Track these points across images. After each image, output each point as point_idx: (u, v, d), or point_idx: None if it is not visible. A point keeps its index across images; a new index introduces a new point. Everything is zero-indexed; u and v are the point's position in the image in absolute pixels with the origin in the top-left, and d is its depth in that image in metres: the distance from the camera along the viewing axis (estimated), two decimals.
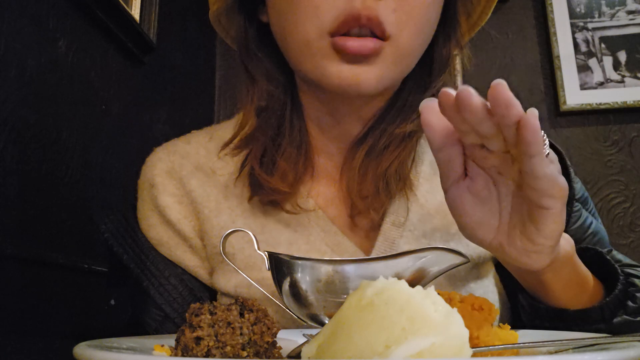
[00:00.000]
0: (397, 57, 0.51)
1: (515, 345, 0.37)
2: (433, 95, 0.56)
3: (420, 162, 0.61)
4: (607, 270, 0.50)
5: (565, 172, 0.59)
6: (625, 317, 0.46)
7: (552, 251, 0.41)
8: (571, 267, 0.46)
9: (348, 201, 0.59)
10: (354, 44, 0.48)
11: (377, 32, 0.48)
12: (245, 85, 0.60)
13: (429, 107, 0.36)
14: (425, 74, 0.57)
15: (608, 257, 0.50)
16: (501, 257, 0.44)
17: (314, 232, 0.58)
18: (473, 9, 0.62)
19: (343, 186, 0.60)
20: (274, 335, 0.36)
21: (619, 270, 0.48)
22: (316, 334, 0.33)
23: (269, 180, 0.56)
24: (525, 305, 0.51)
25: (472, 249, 0.58)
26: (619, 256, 0.52)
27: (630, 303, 0.47)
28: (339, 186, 0.60)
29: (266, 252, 0.45)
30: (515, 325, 0.43)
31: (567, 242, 0.45)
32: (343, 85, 0.50)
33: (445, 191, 0.41)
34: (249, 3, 0.59)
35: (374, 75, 0.50)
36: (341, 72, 0.50)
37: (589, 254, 0.51)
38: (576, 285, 0.47)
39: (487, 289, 0.59)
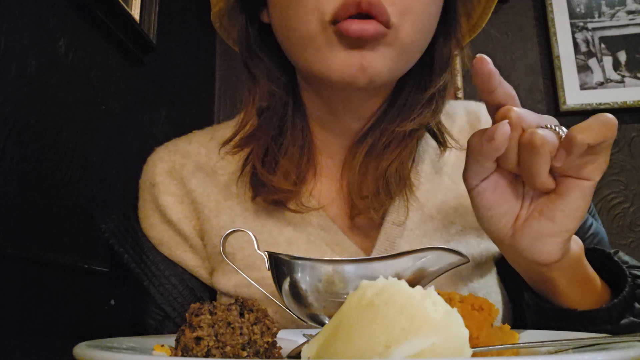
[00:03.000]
0: (400, 47, 0.50)
1: (515, 345, 0.37)
2: (433, 95, 0.57)
3: (421, 161, 0.61)
4: (613, 272, 0.49)
5: None
6: (632, 318, 0.46)
7: (567, 239, 0.42)
8: (579, 267, 0.46)
9: (349, 200, 0.59)
10: (355, 26, 0.47)
11: (381, 17, 0.47)
12: (247, 85, 0.60)
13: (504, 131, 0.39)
14: (426, 74, 0.57)
15: (615, 258, 0.50)
16: (512, 250, 0.44)
17: (314, 232, 0.58)
18: (473, 9, 0.62)
19: (344, 185, 0.60)
20: (274, 335, 0.36)
21: (627, 272, 0.48)
22: (316, 334, 0.33)
23: (271, 179, 0.56)
24: (530, 304, 0.50)
25: (474, 248, 0.58)
26: (625, 257, 0.52)
27: (637, 305, 0.46)
28: (340, 185, 0.60)
29: (266, 252, 0.45)
30: (516, 325, 0.43)
31: (575, 244, 0.45)
32: (348, 72, 0.49)
33: (473, 187, 0.43)
34: (250, 3, 0.59)
35: (378, 62, 0.49)
36: (346, 60, 0.49)
37: (596, 254, 0.51)
38: (583, 285, 0.47)
39: (491, 288, 0.59)
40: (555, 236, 0.41)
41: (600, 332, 0.42)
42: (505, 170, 0.43)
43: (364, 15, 0.47)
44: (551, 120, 0.42)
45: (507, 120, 0.39)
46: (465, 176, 0.44)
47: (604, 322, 0.46)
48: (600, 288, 0.48)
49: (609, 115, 0.39)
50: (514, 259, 0.47)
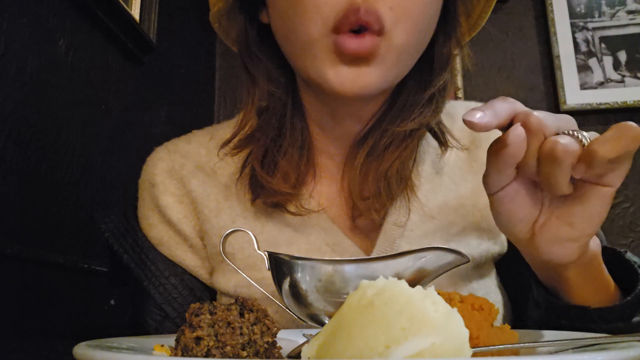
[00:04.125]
0: (394, 55, 0.50)
1: (515, 345, 0.37)
2: (433, 94, 0.57)
3: (422, 161, 0.61)
4: (622, 270, 0.49)
5: None
6: None
7: (586, 242, 0.42)
8: (595, 265, 0.46)
9: (349, 201, 0.59)
10: (352, 43, 0.48)
11: (375, 25, 0.47)
12: (246, 85, 0.60)
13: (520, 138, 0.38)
14: (426, 73, 0.57)
15: (627, 257, 0.50)
16: (529, 250, 0.44)
17: (314, 232, 0.58)
18: (473, 8, 0.62)
19: (345, 187, 0.60)
20: (274, 335, 0.36)
21: (639, 271, 0.48)
22: (316, 334, 0.33)
23: (270, 182, 0.56)
24: (541, 302, 0.50)
25: (474, 249, 0.58)
26: (634, 258, 0.52)
27: None
28: (341, 186, 0.60)
29: (266, 252, 0.45)
30: (516, 325, 0.43)
31: (594, 241, 0.45)
32: (342, 88, 0.50)
33: (493, 193, 0.42)
34: (249, 3, 0.59)
35: (373, 77, 0.50)
36: (340, 75, 0.49)
37: (606, 253, 0.51)
38: (596, 282, 0.47)
39: (490, 289, 0.59)
40: (574, 240, 0.41)
41: (612, 330, 0.42)
42: (526, 177, 0.42)
43: (362, 25, 0.47)
44: (569, 122, 0.40)
45: (519, 124, 0.38)
46: (486, 182, 0.43)
47: (617, 319, 0.45)
48: (612, 286, 0.48)
49: (633, 125, 0.36)
50: (530, 258, 0.47)
